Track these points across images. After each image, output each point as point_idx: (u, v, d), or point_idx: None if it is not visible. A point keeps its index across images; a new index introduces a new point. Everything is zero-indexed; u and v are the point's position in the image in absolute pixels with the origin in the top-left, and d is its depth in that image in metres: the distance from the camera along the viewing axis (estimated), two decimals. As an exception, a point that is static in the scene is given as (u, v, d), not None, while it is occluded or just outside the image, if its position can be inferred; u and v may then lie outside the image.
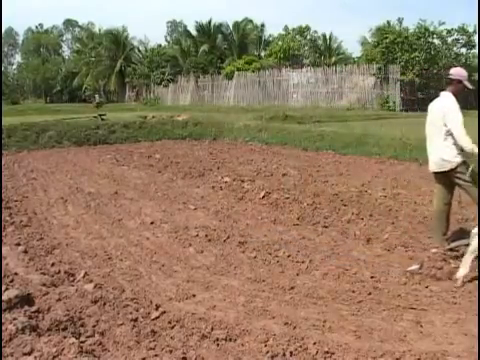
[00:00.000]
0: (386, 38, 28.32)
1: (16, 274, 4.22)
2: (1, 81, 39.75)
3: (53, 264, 4.87)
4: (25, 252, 5.16)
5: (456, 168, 4.93)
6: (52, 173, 10.33)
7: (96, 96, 40.31)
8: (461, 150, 4.91)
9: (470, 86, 4.98)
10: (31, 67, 51.42)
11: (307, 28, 40.43)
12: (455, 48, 29.82)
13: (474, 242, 4.45)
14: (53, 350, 2.74)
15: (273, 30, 58.78)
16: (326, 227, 6.23)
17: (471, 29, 29.07)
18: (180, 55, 40.75)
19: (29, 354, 2.72)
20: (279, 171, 9.84)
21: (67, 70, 49.24)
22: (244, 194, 7.89)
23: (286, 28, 41.94)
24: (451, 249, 4.90)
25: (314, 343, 3.41)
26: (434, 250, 4.89)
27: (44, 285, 4.04)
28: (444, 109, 4.96)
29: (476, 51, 30.47)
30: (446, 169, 4.99)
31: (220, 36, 41.75)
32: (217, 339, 3.44)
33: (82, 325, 3.35)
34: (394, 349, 3.36)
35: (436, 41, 29.43)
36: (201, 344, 3.38)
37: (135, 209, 7.22)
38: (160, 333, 3.50)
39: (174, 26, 63.44)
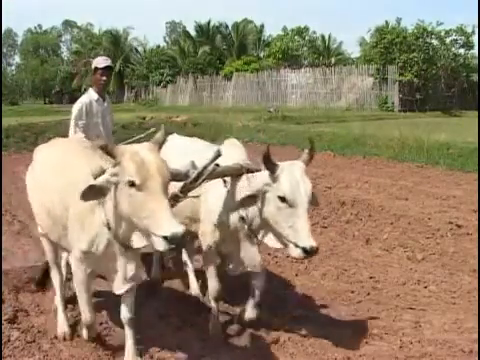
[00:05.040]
0: (384, 38, 28.37)
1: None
2: (1, 82, 39.72)
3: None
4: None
5: None
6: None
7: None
8: None
9: None
10: (30, 68, 51.38)
11: (306, 29, 40.44)
12: (453, 48, 29.84)
13: None
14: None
15: (272, 31, 58.80)
16: (325, 227, 6.24)
17: (469, 29, 29.14)
18: (179, 56, 40.75)
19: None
20: (278, 172, 9.83)
21: (66, 71, 49.24)
22: (243, 195, 7.87)
23: (285, 29, 41.98)
24: None
25: (312, 343, 3.42)
26: None
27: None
28: None
29: (474, 51, 30.56)
30: None
31: (219, 37, 41.74)
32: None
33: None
34: (393, 349, 3.36)
35: (434, 41, 29.46)
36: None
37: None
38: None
39: (173, 27, 63.41)
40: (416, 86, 28.29)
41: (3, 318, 3.52)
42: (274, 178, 2.97)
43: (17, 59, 64.35)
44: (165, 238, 2.36)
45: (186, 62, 39.25)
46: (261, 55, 41.37)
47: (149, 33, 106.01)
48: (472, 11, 77.11)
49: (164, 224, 2.37)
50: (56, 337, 3.45)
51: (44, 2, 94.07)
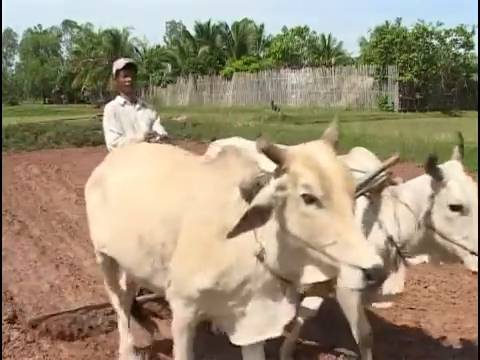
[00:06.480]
0: (384, 38, 28.41)
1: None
2: (1, 82, 39.72)
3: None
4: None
5: None
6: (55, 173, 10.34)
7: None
8: None
9: None
10: (30, 68, 51.42)
11: (306, 29, 40.47)
12: (453, 48, 29.90)
13: None
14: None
15: (272, 31, 58.91)
16: (325, 227, 6.22)
17: (469, 29, 29.19)
18: (179, 56, 40.78)
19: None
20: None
21: (66, 71, 49.25)
22: (243, 195, 7.87)
23: (285, 29, 42.01)
24: None
25: (312, 343, 3.42)
26: None
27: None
28: None
29: (474, 51, 30.59)
30: None
31: (219, 37, 41.77)
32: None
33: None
34: (393, 349, 3.36)
35: (434, 41, 29.53)
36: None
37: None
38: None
39: (173, 27, 63.45)
40: (416, 86, 28.34)
41: (3, 318, 3.52)
42: (439, 185, 2.54)
43: (17, 59, 64.40)
44: (363, 271, 1.69)
45: (186, 62, 39.29)
46: (261, 55, 41.41)
47: (149, 33, 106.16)
48: (472, 11, 77.23)
49: (362, 253, 1.71)
50: (57, 337, 3.44)
51: (44, 2, 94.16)
